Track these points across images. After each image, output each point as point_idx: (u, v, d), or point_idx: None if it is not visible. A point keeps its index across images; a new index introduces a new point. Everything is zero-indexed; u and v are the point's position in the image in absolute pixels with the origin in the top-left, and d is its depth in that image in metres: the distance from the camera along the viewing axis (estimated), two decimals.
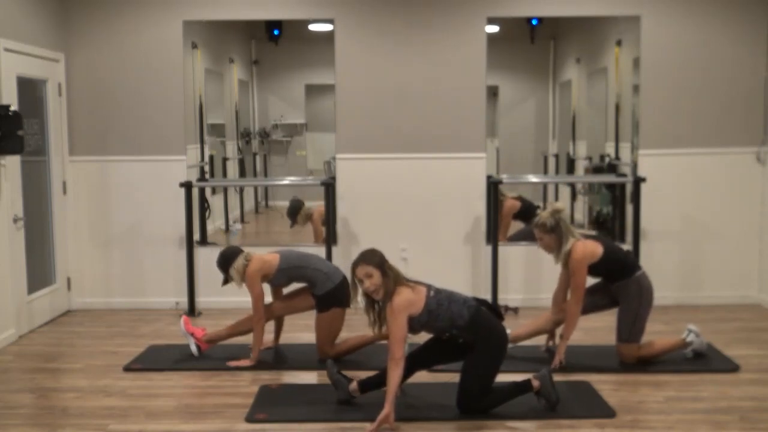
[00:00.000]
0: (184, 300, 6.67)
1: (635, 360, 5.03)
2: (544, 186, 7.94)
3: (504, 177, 6.91)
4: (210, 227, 7.31)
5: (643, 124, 6.70)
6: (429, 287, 4.23)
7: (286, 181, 8.00)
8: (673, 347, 5.14)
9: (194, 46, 6.97)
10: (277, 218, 8.24)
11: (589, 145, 7.75)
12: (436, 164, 6.73)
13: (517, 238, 6.95)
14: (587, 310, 5.12)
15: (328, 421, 4.22)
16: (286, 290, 5.40)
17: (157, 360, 5.30)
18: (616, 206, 7.32)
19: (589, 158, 7.69)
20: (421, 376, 4.55)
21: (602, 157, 7.53)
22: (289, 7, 6.71)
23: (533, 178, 7.67)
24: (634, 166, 6.78)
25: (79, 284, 6.81)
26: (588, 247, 4.96)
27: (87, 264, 6.82)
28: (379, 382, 4.30)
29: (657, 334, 5.46)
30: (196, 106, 7.12)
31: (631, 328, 4.99)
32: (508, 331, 4.46)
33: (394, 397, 4.04)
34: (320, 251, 6.11)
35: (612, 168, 7.32)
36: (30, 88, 6.23)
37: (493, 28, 6.79)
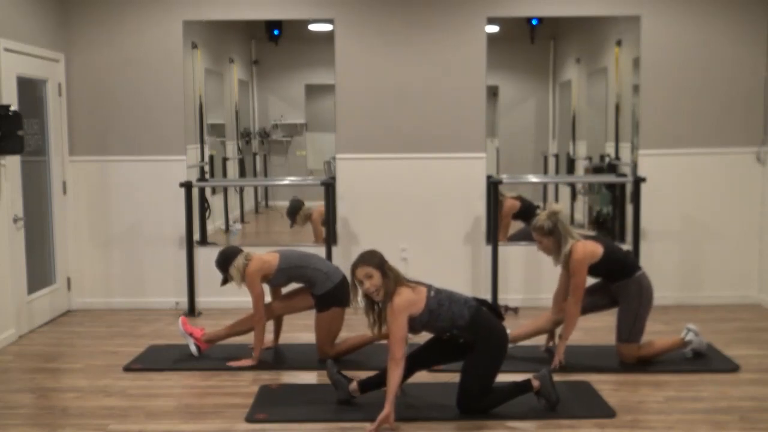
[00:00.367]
0: (184, 300, 6.67)
1: (635, 360, 5.03)
2: (544, 186, 7.94)
3: (504, 177, 6.91)
4: (210, 227, 7.31)
5: (643, 124, 6.70)
6: (429, 287, 4.23)
7: (286, 181, 8.00)
8: (672, 347, 5.14)
9: (194, 46, 6.97)
10: (277, 218, 8.24)
11: (589, 145, 7.75)
12: (436, 164, 6.73)
13: (517, 238, 6.95)
14: (587, 310, 5.12)
15: (328, 421, 4.22)
16: (285, 290, 5.40)
17: (157, 360, 5.29)
18: (616, 206, 7.32)
19: (589, 158, 7.69)
20: (421, 376, 4.55)
21: (602, 157, 7.53)
22: (289, 7, 6.71)
23: (533, 178, 7.68)
24: (634, 166, 6.78)
25: (79, 284, 6.81)
26: (588, 248, 4.96)
27: (87, 264, 6.82)
28: (379, 382, 4.30)
29: (657, 334, 5.46)
30: (196, 106, 7.12)
31: (631, 328, 4.99)
32: (508, 331, 4.46)
33: (394, 398, 4.05)
34: (320, 251, 6.11)
35: (612, 168, 7.32)
36: (30, 88, 6.23)
37: (493, 28, 6.79)
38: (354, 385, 4.40)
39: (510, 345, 4.55)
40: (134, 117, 6.70)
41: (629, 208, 6.75)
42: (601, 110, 7.62)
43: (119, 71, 6.67)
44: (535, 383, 4.28)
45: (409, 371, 4.31)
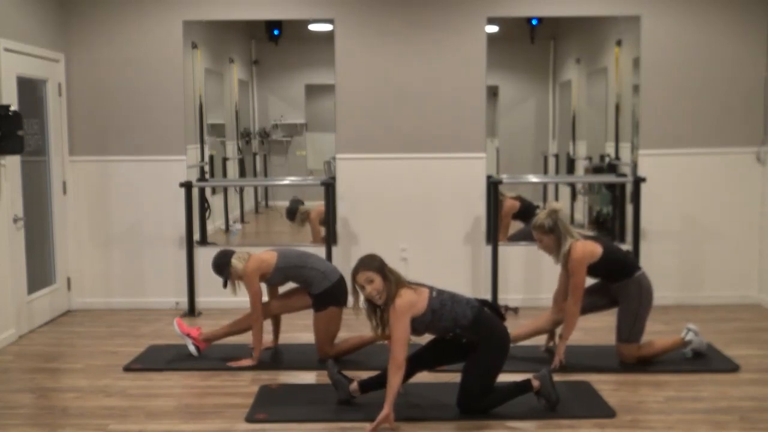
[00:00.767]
0: (184, 300, 6.67)
1: (635, 360, 5.03)
2: (544, 186, 7.94)
3: (504, 177, 6.91)
4: (210, 227, 7.31)
5: (643, 124, 6.70)
6: (431, 288, 4.23)
7: (286, 181, 8.00)
8: (672, 346, 5.14)
9: (194, 46, 6.97)
10: (277, 218, 8.24)
11: (589, 145, 7.75)
12: (436, 164, 6.73)
13: (517, 238, 6.95)
14: (586, 310, 5.12)
15: (328, 421, 4.22)
16: (282, 289, 5.40)
17: (157, 360, 5.29)
18: (616, 206, 7.32)
19: (589, 158, 7.69)
20: (422, 376, 4.54)
21: (602, 157, 7.53)
22: (289, 7, 6.71)
23: (533, 178, 7.68)
24: (634, 166, 6.78)
25: (79, 284, 6.81)
26: (587, 247, 4.96)
27: (87, 264, 6.82)
28: (380, 382, 4.29)
29: (657, 334, 5.46)
30: (196, 106, 7.12)
31: (631, 328, 4.99)
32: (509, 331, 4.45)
33: (394, 399, 4.04)
34: (319, 251, 6.10)
35: (612, 168, 7.32)
36: (30, 88, 6.23)
37: (493, 28, 6.79)
38: (354, 386, 4.40)
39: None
40: (134, 117, 6.70)
41: (629, 208, 6.75)
42: (601, 110, 7.62)
43: (119, 71, 6.67)
44: (535, 383, 4.28)
45: (410, 372, 4.30)
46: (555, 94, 8.00)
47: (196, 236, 6.81)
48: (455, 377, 4.38)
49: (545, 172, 7.96)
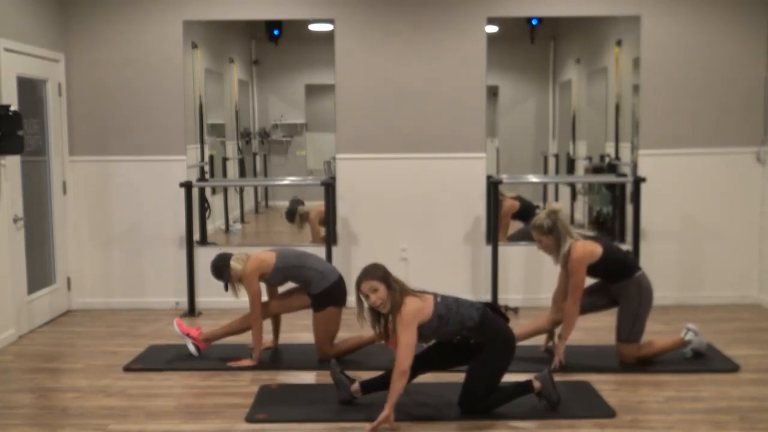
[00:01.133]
0: (184, 300, 6.67)
1: (635, 360, 5.03)
2: (544, 186, 7.94)
3: (504, 177, 6.91)
4: (210, 227, 7.31)
5: (643, 124, 6.70)
6: (435, 295, 4.23)
7: (286, 181, 8.00)
8: (672, 346, 5.14)
9: (194, 46, 6.97)
10: (277, 218, 8.24)
11: (589, 145, 7.75)
12: (436, 164, 6.73)
13: (517, 237, 6.95)
14: (586, 310, 5.12)
15: (328, 421, 4.22)
16: (281, 289, 5.40)
17: (157, 360, 5.29)
18: (616, 206, 7.32)
19: (589, 158, 7.69)
20: (423, 376, 4.53)
21: (602, 157, 7.53)
22: (289, 7, 6.71)
23: (533, 178, 7.68)
24: (634, 166, 6.78)
25: (79, 284, 6.81)
26: (587, 247, 4.95)
27: (87, 264, 6.82)
28: (381, 384, 4.28)
29: (657, 334, 5.46)
30: (196, 106, 7.12)
31: (631, 328, 4.99)
32: None
33: (395, 402, 4.03)
34: (318, 251, 6.10)
35: (612, 168, 7.32)
36: (30, 88, 6.23)
37: (493, 28, 6.79)
38: (356, 386, 4.39)
39: None
40: (134, 117, 6.70)
41: (629, 208, 6.75)
42: (601, 110, 7.62)
43: (119, 71, 6.67)
44: (536, 384, 4.28)
45: (413, 374, 4.28)
46: (555, 94, 8.00)
47: (196, 236, 6.81)
48: (455, 377, 4.37)
49: (545, 172, 7.96)
